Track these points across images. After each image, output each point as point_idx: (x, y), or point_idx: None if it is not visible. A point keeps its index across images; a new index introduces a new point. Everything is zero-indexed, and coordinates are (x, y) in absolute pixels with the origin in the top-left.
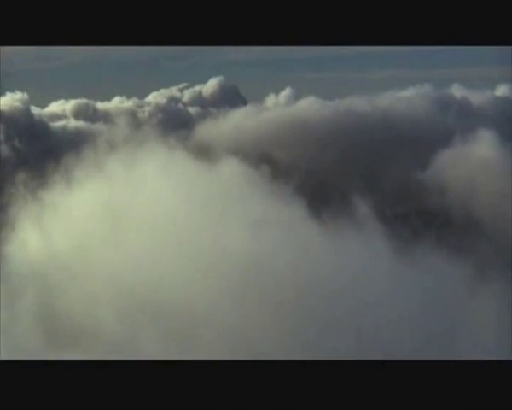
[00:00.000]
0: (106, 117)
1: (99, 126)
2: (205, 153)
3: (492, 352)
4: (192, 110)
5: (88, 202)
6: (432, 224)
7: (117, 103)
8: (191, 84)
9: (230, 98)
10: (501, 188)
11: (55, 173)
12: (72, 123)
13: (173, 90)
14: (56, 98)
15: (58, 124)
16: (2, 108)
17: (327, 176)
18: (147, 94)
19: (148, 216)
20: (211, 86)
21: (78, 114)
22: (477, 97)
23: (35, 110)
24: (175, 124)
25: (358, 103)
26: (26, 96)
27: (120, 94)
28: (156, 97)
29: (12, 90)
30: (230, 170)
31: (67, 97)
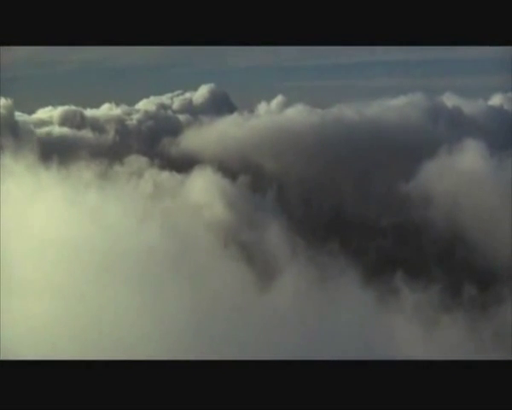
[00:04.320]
0: (93, 124)
1: (85, 133)
2: (184, 162)
3: None
4: (182, 118)
5: None
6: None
7: (106, 110)
8: (182, 92)
9: (221, 106)
10: (486, 200)
11: None
12: (57, 130)
13: (163, 98)
14: (45, 105)
15: (43, 130)
16: None
17: (309, 187)
18: (137, 101)
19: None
20: (201, 94)
21: (65, 120)
22: (469, 107)
23: (21, 117)
24: (163, 132)
25: (346, 112)
26: (10, 102)
27: (110, 101)
28: (146, 105)
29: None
30: (202, 180)
31: (56, 104)
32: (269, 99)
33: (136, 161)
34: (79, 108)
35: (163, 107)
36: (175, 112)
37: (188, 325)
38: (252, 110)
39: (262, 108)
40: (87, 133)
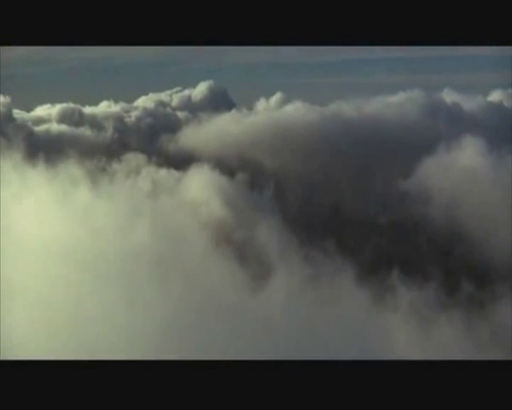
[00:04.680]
0: (92, 121)
1: (83, 131)
2: (182, 159)
3: None
4: (181, 115)
5: None
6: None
7: (104, 108)
8: (181, 89)
9: (220, 103)
10: (485, 196)
11: None
12: (56, 127)
13: (162, 95)
14: (44, 102)
15: (41, 128)
16: None
17: (307, 185)
18: (136, 98)
19: None
20: (200, 91)
21: (64, 118)
22: (469, 103)
23: (19, 114)
24: (162, 129)
25: (345, 109)
26: (8, 99)
27: (109, 98)
28: (145, 102)
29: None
30: (199, 178)
31: (54, 101)
32: (268, 96)
33: (134, 158)
34: (78, 106)
35: (162, 104)
36: (174, 109)
37: (180, 324)
38: (250, 107)
39: (261, 105)
40: (85, 130)
